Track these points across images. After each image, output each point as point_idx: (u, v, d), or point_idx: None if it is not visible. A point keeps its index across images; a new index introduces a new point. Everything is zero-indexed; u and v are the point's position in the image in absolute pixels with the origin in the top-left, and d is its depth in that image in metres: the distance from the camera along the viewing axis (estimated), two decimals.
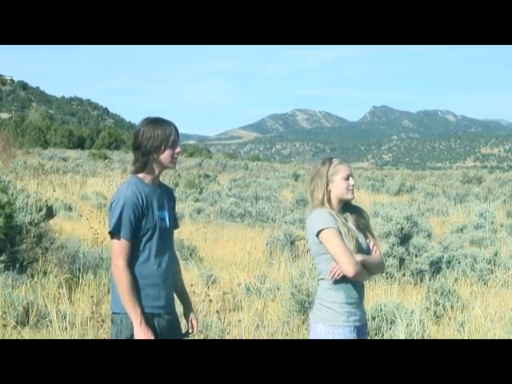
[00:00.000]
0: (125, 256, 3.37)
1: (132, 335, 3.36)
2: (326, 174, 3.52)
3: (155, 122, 3.47)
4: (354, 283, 3.48)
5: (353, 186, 3.55)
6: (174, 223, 3.66)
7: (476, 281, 9.21)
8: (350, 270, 3.39)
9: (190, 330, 3.69)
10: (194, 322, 3.70)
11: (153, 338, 3.34)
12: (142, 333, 3.33)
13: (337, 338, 3.43)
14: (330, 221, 3.45)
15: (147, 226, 3.43)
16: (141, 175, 3.50)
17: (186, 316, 3.70)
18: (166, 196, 3.60)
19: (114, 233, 3.39)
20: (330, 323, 3.46)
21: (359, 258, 3.45)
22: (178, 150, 3.49)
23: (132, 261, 3.41)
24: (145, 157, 3.44)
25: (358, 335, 3.50)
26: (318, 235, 3.45)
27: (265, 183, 28.94)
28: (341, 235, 3.44)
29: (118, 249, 3.38)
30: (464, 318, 6.60)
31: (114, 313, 3.47)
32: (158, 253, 3.46)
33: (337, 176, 3.52)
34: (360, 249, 3.51)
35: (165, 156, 3.46)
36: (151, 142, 3.41)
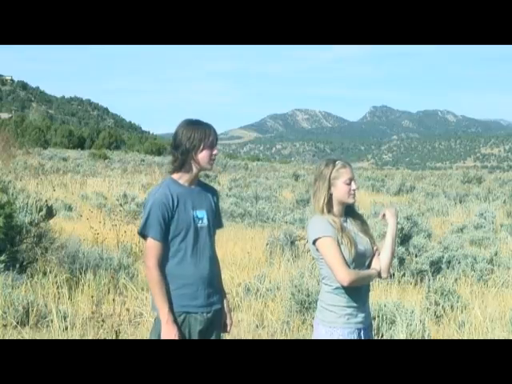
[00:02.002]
0: (155, 256, 3.41)
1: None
2: (329, 176, 3.48)
3: (195, 123, 3.53)
4: (357, 287, 3.45)
5: (354, 190, 3.51)
6: (217, 222, 3.66)
7: (476, 281, 9.20)
8: (344, 279, 3.38)
9: (224, 330, 3.70)
10: (228, 322, 3.71)
11: (177, 337, 3.38)
12: (167, 332, 3.38)
13: (335, 338, 3.42)
14: (326, 229, 3.43)
15: (180, 227, 3.45)
16: (176, 176, 3.53)
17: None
18: (206, 195, 3.61)
19: (143, 234, 3.45)
20: (329, 324, 3.45)
21: (354, 274, 3.41)
22: (215, 151, 3.56)
23: (168, 261, 3.44)
24: (183, 155, 3.48)
25: (359, 337, 3.47)
26: (314, 243, 3.46)
27: (265, 183, 28.91)
28: (337, 243, 3.42)
29: (149, 249, 3.42)
30: (464, 318, 6.59)
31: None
32: (194, 252, 3.48)
33: (339, 180, 3.48)
34: (361, 254, 3.49)
35: (203, 156, 3.50)
36: (190, 140, 3.47)
